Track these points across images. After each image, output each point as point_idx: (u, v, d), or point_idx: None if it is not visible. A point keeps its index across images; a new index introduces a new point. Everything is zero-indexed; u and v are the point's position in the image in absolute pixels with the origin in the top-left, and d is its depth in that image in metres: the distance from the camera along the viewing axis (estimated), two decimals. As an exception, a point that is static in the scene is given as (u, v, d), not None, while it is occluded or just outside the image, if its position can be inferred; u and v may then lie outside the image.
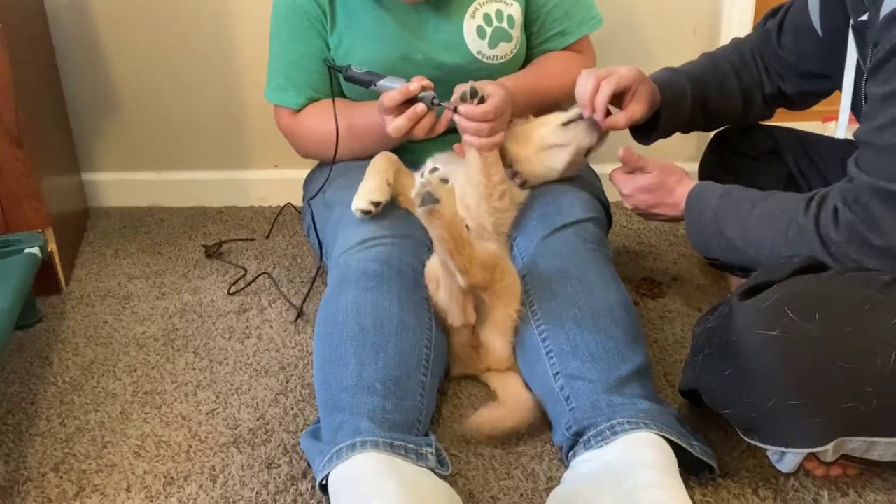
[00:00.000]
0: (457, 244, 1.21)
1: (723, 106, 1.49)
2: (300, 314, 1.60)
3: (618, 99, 1.39)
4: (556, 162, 1.44)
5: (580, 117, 1.41)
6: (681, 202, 1.31)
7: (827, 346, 1.01)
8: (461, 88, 1.34)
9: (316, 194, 1.54)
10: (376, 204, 1.38)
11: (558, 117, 1.44)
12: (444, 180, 1.18)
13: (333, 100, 1.47)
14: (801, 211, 1.13)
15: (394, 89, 1.34)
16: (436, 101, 1.35)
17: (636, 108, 1.39)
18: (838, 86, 1.29)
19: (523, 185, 1.46)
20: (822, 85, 1.41)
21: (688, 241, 1.33)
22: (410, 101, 1.35)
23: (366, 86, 1.39)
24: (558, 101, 1.52)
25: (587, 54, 1.62)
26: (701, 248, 1.31)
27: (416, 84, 1.33)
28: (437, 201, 1.17)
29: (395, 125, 1.35)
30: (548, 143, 1.44)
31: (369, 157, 1.47)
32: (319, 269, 1.61)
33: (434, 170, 1.16)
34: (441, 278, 1.30)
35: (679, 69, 1.49)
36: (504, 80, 1.45)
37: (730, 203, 1.24)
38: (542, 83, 1.53)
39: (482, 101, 1.33)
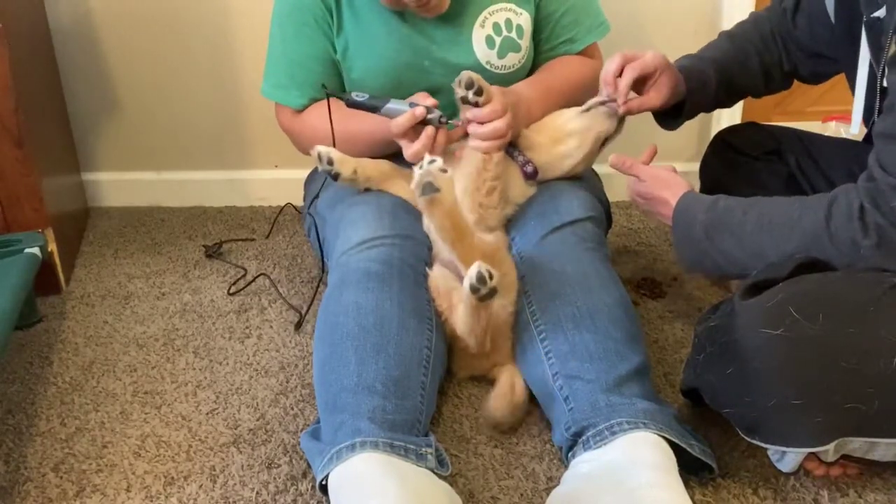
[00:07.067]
0: (458, 233, 1.22)
1: (744, 84, 1.50)
2: (300, 323, 1.59)
3: (640, 84, 1.40)
4: (572, 150, 1.45)
5: (599, 104, 1.42)
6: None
7: (830, 346, 1.01)
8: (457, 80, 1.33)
9: (312, 201, 1.54)
10: (331, 161, 1.39)
11: (575, 109, 1.46)
12: (443, 170, 1.19)
13: (328, 100, 1.45)
14: (822, 219, 1.09)
15: (400, 114, 1.35)
16: (443, 120, 1.36)
17: (653, 97, 1.40)
18: (844, 69, 1.28)
19: (534, 176, 1.46)
20: (833, 67, 1.40)
21: (677, 260, 1.28)
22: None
23: (372, 111, 1.39)
24: (574, 100, 1.51)
25: (595, 60, 1.62)
26: (692, 266, 1.26)
27: (421, 110, 1.34)
28: (437, 190, 1.18)
29: (413, 152, 1.37)
30: (565, 131, 1.44)
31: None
32: (322, 278, 1.60)
33: (432, 161, 1.18)
34: (462, 314, 1.28)
35: (703, 56, 1.48)
36: (519, 87, 1.45)
37: (718, 215, 1.20)
38: (556, 84, 1.52)
39: (479, 92, 1.32)
